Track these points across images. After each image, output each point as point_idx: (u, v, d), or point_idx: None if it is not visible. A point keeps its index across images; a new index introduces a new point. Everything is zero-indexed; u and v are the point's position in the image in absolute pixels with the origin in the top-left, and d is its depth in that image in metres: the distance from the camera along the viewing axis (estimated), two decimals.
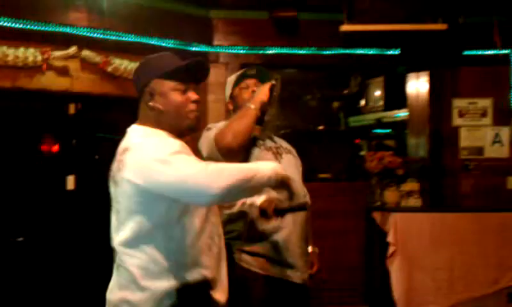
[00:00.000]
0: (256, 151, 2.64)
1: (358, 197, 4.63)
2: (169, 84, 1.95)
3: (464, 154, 4.61)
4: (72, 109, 4.05)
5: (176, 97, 1.95)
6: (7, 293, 3.74)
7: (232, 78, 2.80)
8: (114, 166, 1.91)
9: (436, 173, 4.63)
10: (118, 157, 1.91)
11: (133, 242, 1.85)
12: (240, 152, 2.54)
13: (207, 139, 2.57)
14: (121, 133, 2.19)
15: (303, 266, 2.65)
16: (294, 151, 2.82)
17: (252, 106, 2.49)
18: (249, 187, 1.84)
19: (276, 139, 2.80)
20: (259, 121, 2.59)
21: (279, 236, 2.57)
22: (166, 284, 1.85)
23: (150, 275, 1.85)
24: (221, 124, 2.62)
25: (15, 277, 3.82)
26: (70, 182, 3.97)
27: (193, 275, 1.89)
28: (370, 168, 4.56)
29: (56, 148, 4.11)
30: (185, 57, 2.02)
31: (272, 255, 2.56)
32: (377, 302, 4.40)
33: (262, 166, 1.91)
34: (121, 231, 1.87)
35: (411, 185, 4.53)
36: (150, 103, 1.94)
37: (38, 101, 3.91)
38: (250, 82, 2.68)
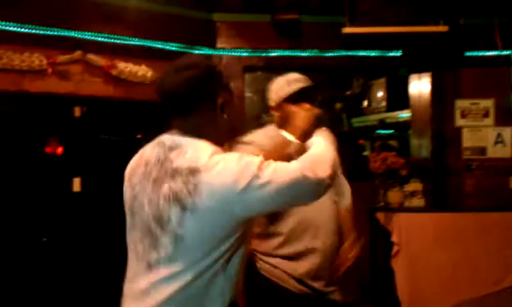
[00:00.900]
0: None
1: (362, 197, 4.64)
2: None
3: (466, 154, 4.63)
4: (77, 112, 4.09)
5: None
6: (8, 294, 3.77)
7: (283, 85, 2.61)
8: (174, 185, 1.65)
9: (439, 173, 4.64)
10: (183, 176, 1.64)
11: (187, 273, 1.65)
12: None
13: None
14: (126, 136, 2.23)
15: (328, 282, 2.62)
16: None
17: (295, 141, 2.12)
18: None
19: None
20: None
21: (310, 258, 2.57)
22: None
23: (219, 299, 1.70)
24: (257, 140, 2.49)
25: (22, 277, 3.86)
26: (76, 184, 4.01)
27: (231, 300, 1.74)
28: (374, 169, 4.58)
29: (60, 150, 4.15)
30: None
31: (294, 271, 2.56)
32: (382, 301, 4.42)
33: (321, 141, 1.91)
34: (179, 262, 1.65)
35: (414, 186, 4.55)
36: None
37: (43, 104, 3.96)
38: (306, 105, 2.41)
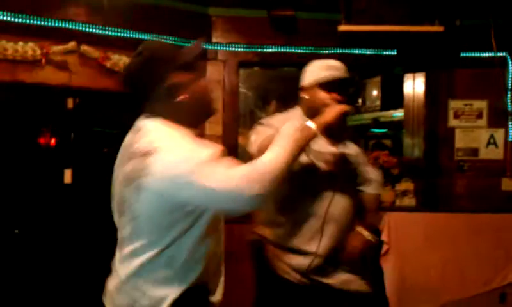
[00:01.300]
0: (309, 159, 2.49)
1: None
2: (188, 76, 1.85)
3: (459, 155, 4.65)
4: (70, 103, 4.08)
5: (199, 85, 1.88)
6: (3, 285, 3.77)
7: (321, 69, 2.52)
8: (130, 167, 1.75)
9: (431, 173, 4.65)
10: (136, 158, 1.73)
11: (147, 251, 1.76)
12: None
13: (251, 139, 2.48)
14: (119, 128, 2.22)
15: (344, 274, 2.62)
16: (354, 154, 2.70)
17: (313, 127, 2.07)
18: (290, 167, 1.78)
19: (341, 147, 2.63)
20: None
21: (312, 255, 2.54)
22: (168, 291, 1.79)
23: (155, 282, 1.79)
24: (276, 124, 2.41)
25: (11, 270, 3.85)
26: (67, 176, 4.00)
27: (193, 282, 1.82)
28: None
29: (53, 141, 4.14)
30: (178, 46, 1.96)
31: (297, 265, 2.55)
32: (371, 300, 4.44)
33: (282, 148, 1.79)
34: (137, 240, 1.77)
35: (406, 185, 4.57)
36: (176, 99, 1.82)
37: (36, 95, 3.94)
38: (334, 100, 2.41)
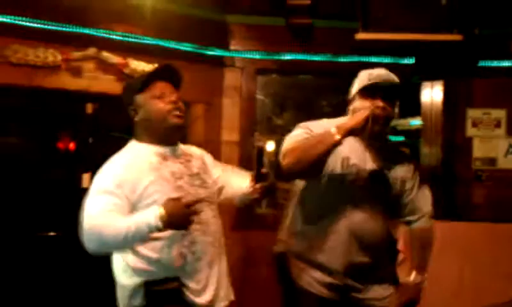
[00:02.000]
0: (338, 168, 2.42)
1: None
2: (146, 95, 2.19)
3: (477, 164, 4.61)
4: (89, 108, 4.14)
5: (154, 104, 2.18)
6: (24, 287, 3.82)
7: (363, 78, 2.48)
8: None
9: (448, 182, 4.63)
10: None
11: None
12: (302, 177, 2.40)
13: (286, 138, 2.45)
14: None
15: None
16: (402, 174, 2.57)
17: (335, 133, 2.27)
18: (124, 242, 2.00)
19: (382, 159, 2.51)
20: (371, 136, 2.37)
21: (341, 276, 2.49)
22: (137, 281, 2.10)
23: (126, 275, 2.15)
24: (313, 127, 2.43)
25: (31, 272, 3.90)
26: (86, 180, 4.05)
27: (159, 277, 2.09)
28: None
29: (72, 145, 4.20)
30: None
31: (321, 278, 2.51)
32: None
33: (141, 219, 1.99)
34: None
35: None
36: (136, 119, 2.22)
37: (56, 100, 4.00)
38: (366, 104, 2.39)
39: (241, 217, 4.40)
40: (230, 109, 4.57)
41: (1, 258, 3.79)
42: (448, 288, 4.14)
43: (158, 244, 2.08)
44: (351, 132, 2.30)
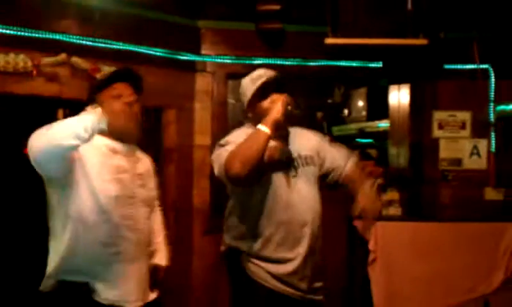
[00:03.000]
0: (267, 169, 2.59)
1: (340, 205, 4.70)
2: (105, 94, 2.33)
3: (443, 165, 4.73)
4: (60, 114, 4.11)
5: (110, 104, 2.29)
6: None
7: (248, 85, 2.75)
8: None
9: (415, 183, 4.74)
10: None
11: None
12: (250, 180, 2.50)
13: (218, 157, 2.57)
14: None
15: (312, 286, 2.72)
16: (315, 147, 2.79)
17: (264, 128, 2.45)
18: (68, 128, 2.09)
19: (297, 144, 2.75)
20: (282, 137, 2.61)
21: (291, 264, 2.64)
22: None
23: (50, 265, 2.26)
24: (233, 139, 2.60)
25: (27, 279, 3.85)
26: None
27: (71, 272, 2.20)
28: None
29: None
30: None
31: (280, 276, 2.64)
32: None
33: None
34: None
35: (391, 195, 4.64)
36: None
37: (27, 106, 3.96)
38: (276, 98, 2.61)
39: (214, 220, 4.43)
40: (202, 113, 4.60)
41: None
42: (419, 287, 4.23)
43: (82, 227, 2.20)
44: (276, 121, 2.48)
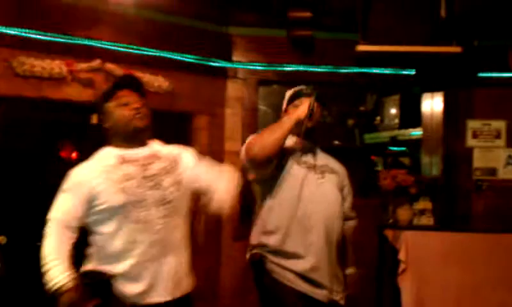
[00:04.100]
0: (289, 164, 2.75)
1: (372, 214, 4.67)
2: (113, 103, 2.43)
3: (477, 175, 4.65)
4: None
5: (119, 111, 2.40)
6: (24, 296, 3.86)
7: (288, 94, 2.95)
8: None
9: (448, 193, 4.66)
10: None
11: None
12: (268, 164, 2.66)
13: (244, 146, 2.77)
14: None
15: (332, 286, 2.77)
16: (341, 172, 2.93)
17: (286, 120, 2.67)
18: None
19: (323, 157, 2.90)
20: (306, 133, 2.71)
21: (310, 258, 2.70)
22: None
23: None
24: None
25: (33, 282, 3.93)
26: None
27: (104, 269, 2.32)
28: (384, 186, 4.61)
29: (74, 154, 4.25)
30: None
31: (302, 272, 2.70)
32: None
33: (53, 273, 2.26)
34: None
35: (423, 204, 4.57)
36: (105, 125, 2.45)
37: (61, 110, 4.06)
38: (305, 100, 2.76)
39: (243, 226, 4.44)
40: (233, 120, 4.63)
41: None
42: (449, 298, 4.16)
43: (99, 237, 2.36)
44: (299, 118, 2.65)
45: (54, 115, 4.09)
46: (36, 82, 3.69)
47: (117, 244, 2.32)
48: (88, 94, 3.89)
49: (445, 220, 4.60)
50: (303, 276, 2.70)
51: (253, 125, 4.68)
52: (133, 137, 2.43)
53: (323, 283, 2.72)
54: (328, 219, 2.75)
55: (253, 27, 4.62)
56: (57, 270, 2.22)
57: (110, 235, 2.33)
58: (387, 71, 4.68)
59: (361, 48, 4.17)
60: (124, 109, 2.40)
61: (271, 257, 2.73)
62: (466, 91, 4.67)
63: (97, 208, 2.33)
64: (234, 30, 4.64)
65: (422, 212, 4.56)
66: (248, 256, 2.88)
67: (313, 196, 2.74)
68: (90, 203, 2.33)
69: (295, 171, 2.74)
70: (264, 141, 2.62)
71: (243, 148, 2.74)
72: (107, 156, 2.43)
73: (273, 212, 2.75)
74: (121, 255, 2.32)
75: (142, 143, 2.46)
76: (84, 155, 4.15)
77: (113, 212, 2.31)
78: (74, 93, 3.83)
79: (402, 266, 4.22)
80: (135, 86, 2.50)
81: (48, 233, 2.31)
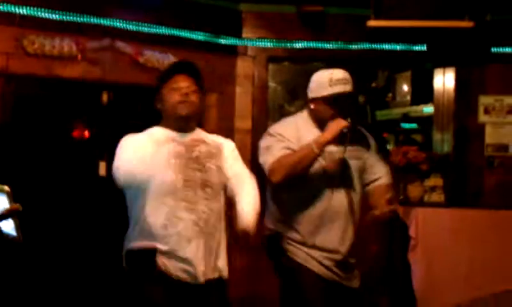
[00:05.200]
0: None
1: None
2: (166, 87, 2.51)
3: (489, 151, 4.62)
4: (104, 97, 4.20)
5: (168, 95, 2.49)
6: (39, 276, 3.91)
7: (325, 83, 2.72)
8: None
9: (460, 169, 4.64)
10: None
11: None
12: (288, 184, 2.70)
13: (265, 151, 2.76)
14: (151, 122, 2.45)
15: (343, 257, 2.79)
16: (365, 154, 2.87)
17: (315, 148, 2.61)
18: None
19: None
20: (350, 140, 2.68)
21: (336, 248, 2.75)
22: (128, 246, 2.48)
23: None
24: (283, 131, 2.76)
25: (46, 262, 3.99)
26: (102, 168, 4.13)
27: (142, 244, 2.42)
28: (395, 162, 4.60)
29: (87, 133, 4.27)
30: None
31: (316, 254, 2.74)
32: (398, 294, 4.46)
33: None
34: None
35: (434, 181, 4.55)
36: (158, 106, 2.55)
37: (72, 89, 4.07)
38: (331, 124, 2.66)
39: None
40: (243, 97, 4.62)
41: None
42: (459, 274, 4.16)
43: (140, 213, 2.42)
44: (328, 143, 2.63)
45: (65, 94, 4.10)
46: (47, 61, 3.71)
47: (160, 219, 2.39)
48: (97, 72, 3.90)
49: (456, 197, 4.58)
50: (319, 261, 2.75)
51: (262, 102, 4.67)
52: (178, 123, 2.51)
53: (336, 258, 2.77)
54: (346, 212, 2.78)
55: (263, 3, 4.57)
56: None
57: (153, 210, 2.39)
58: (399, 47, 4.64)
59: (373, 23, 4.14)
60: (173, 94, 2.49)
61: (289, 240, 2.77)
62: (478, 66, 4.62)
63: (145, 177, 2.38)
64: (244, 6, 4.59)
65: (433, 189, 4.54)
66: (266, 233, 2.89)
67: (336, 189, 2.75)
68: (142, 168, 2.39)
69: (319, 174, 2.73)
70: (288, 171, 2.64)
71: (264, 161, 2.73)
72: (156, 133, 2.51)
73: (290, 207, 2.77)
74: (165, 231, 2.39)
75: (189, 129, 2.55)
76: (97, 135, 4.23)
77: (159, 187, 2.38)
78: (84, 71, 3.84)
79: (412, 242, 4.22)
80: (190, 71, 2.55)
81: None
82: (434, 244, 4.19)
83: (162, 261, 2.39)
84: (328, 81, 2.72)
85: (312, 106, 2.80)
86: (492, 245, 4.16)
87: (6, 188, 1.60)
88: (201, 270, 2.41)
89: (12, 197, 1.60)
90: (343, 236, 2.77)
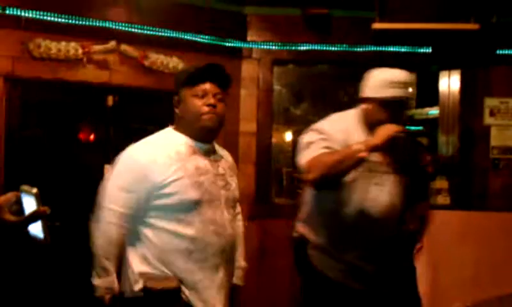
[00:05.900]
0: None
1: None
2: (188, 91, 2.19)
3: (494, 153, 4.61)
4: (110, 100, 4.21)
5: (192, 102, 2.18)
6: (46, 277, 3.92)
7: (384, 84, 2.48)
8: None
9: (465, 172, 4.63)
10: None
11: None
12: (323, 187, 2.47)
13: (306, 147, 2.46)
14: (156, 125, 2.40)
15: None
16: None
17: (362, 151, 2.28)
18: None
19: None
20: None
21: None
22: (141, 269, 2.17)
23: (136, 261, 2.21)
24: (328, 129, 2.47)
25: (53, 262, 3.99)
26: (107, 171, 4.13)
27: (164, 284, 2.12)
28: None
29: (92, 136, 4.28)
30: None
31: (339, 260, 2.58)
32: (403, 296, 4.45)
33: None
34: None
35: (440, 183, 4.55)
36: (176, 109, 2.25)
37: (77, 92, 4.09)
38: (382, 129, 2.36)
39: (258, 206, 4.47)
40: (248, 100, 4.62)
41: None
42: (466, 276, 4.16)
43: (160, 234, 2.15)
44: (375, 149, 2.33)
45: (71, 97, 4.11)
46: (53, 64, 3.73)
47: (185, 244, 2.13)
48: (103, 75, 3.91)
49: (462, 199, 4.58)
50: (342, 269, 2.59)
51: (268, 105, 4.67)
52: (200, 134, 2.21)
53: (366, 268, 2.59)
54: (383, 224, 2.56)
55: (268, 6, 4.58)
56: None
57: (176, 234, 2.13)
58: (403, 49, 4.63)
59: (378, 26, 4.14)
60: (198, 101, 2.17)
61: (314, 247, 2.62)
62: (484, 68, 4.61)
63: (164, 200, 2.12)
64: (249, 9, 4.60)
65: (438, 191, 4.54)
66: (295, 235, 2.74)
67: (373, 200, 2.52)
68: (157, 191, 2.11)
69: (358, 183, 2.48)
70: (327, 170, 2.32)
71: (303, 156, 2.43)
72: (175, 141, 2.21)
73: (322, 213, 2.58)
74: (190, 258, 2.13)
75: (207, 140, 2.25)
76: (102, 138, 4.24)
77: (184, 207, 2.12)
78: (90, 74, 3.86)
79: (418, 245, 4.21)
80: (219, 78, 2.23)
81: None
82: (440, 246, 4.19)
83: (185, 294, 2.14)
84: (384, 83, 2.48)
85: (364, 106, 2.53)
86: (498, 247, 4.16)
87: (35, 190, 1.52)
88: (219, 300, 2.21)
89: (40, 199, 1.55)
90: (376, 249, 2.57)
